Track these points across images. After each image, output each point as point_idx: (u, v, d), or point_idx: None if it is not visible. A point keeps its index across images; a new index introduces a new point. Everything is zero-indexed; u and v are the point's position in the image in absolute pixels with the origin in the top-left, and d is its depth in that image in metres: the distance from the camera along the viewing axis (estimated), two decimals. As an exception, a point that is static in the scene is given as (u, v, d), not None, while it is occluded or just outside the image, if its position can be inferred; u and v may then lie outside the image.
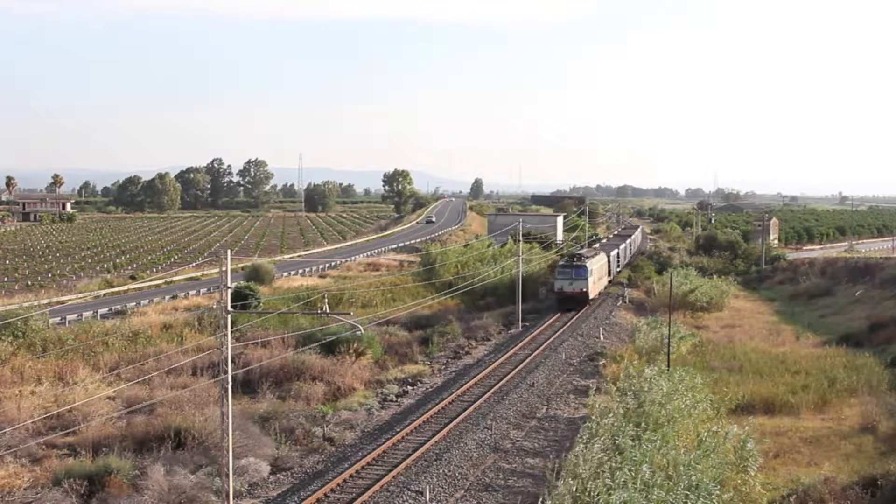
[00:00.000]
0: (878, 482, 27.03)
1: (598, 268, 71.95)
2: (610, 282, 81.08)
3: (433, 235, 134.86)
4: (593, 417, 31.72)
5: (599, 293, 74.11)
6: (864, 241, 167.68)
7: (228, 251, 27.03)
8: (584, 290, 65.90)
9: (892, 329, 56.51)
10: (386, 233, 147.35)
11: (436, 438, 33.15)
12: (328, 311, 31.43)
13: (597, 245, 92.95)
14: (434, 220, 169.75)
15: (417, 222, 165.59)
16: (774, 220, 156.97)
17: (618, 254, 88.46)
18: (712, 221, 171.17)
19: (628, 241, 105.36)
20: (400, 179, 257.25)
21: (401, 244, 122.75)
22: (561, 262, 69.58)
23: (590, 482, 23.21)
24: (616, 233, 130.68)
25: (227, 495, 25.56)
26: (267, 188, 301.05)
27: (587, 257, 69.15)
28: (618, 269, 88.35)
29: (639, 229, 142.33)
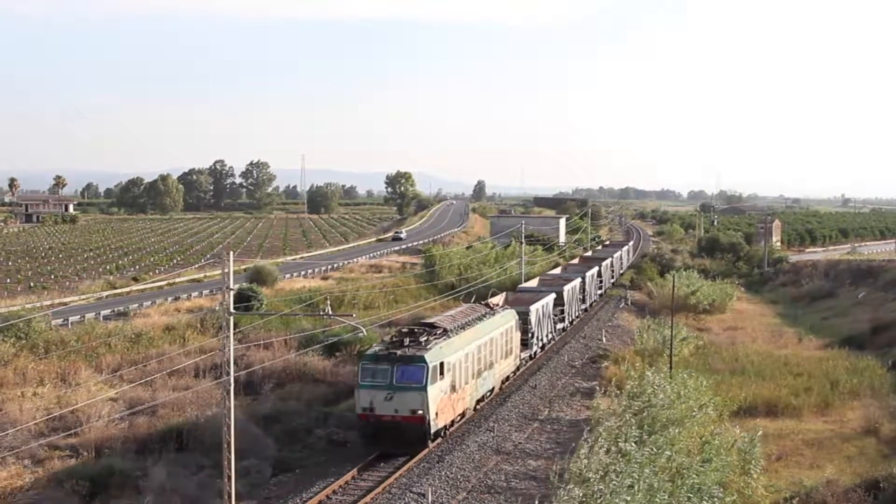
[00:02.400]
0: (881, 484, 27.05)
1: (471, 354, 35.37)
2: (532, 356, 48.10)
3: (436, 237, 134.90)
4: (597, 419, 31.70)
5: (480, 404, 37.90)
6: (867, 243, 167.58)
7: (231, 253, 27.06)
8: (419, 411, 30.68)
9: (894, 331, 56.50)
10: (351, 244, 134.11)
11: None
12: (330, 312, 31.55)
13: (499, 297, 48.92)
14: (403, 236, 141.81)
15: (379, 240, 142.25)
16: (777, 223, 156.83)
17: (555, 301, 53.79)
18: (715, 223, 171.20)
19: (593, 271, 70.78)
20: (402, 181, 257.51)
21: (404, 246, 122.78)
22: (374, 348, 33.40)
23: (596, 485, 23.19)
24: (591, 253, 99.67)
25: (230, 497, 25.57)
26: (269, 190, 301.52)
27: (440, 335, 33.80)
28: (559, 328, 55.22)
29: (625, 247, 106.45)
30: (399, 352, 31.55)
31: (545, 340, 50.75)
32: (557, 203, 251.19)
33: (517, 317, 43.59)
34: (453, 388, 33.17)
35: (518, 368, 44.85)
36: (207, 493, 27.52)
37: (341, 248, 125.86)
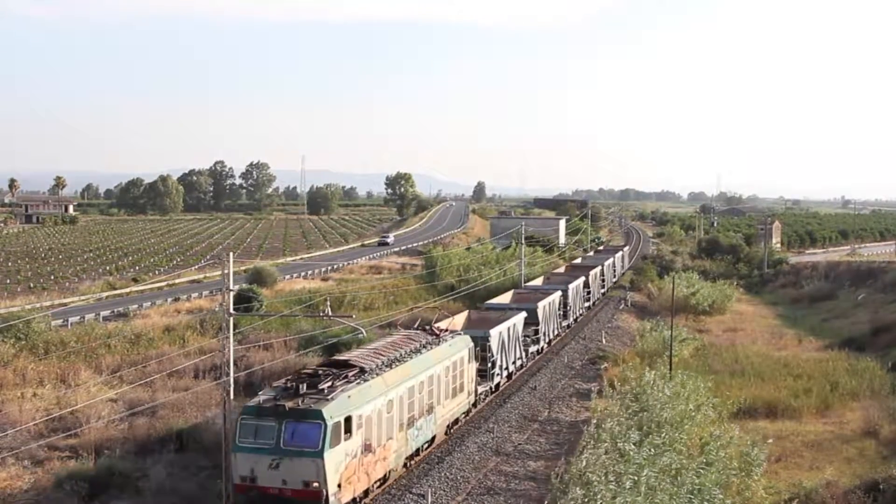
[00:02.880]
0: (880, 486, 27.07)
1: (399, 399, 28.24)
2: (493, 389, 40.77)
3: (436, 238, 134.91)
4: (595, 421, 31.70)
5: (414, 460, 30.53)
6: (867, 244, 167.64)
7: (231, 254, 27.09)
8: (315, 483, 23.69)
9: (894, 333, 56.50)
10: (332, 250, 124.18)
11: (437, 441, 33.15)
12: (330, 313, 31.43)
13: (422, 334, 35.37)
14: (390, 241, 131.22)
15: (363, 245, 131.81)
16: (777, 224, 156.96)
17: (528, 319, 46.78)
18: (715, 225, 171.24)
19: (578, 282, 63.66)
20: (402, 182, 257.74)
21: (403, 247, 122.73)
22: (258, 397, 25.46)
23: (598, 486, 23.20)
24: (580, 260, 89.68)
25: (229, 497, 25.57)
26: (269, 191, 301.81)
27: (353, 378, 26.58)
28: (532, 351, 48.37)
29: (618, 253, 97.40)
30: (289, 403, 23.89)
31: (512, 368, 43.61)
32: (557, 204, 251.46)
33: (471, 344, 36.25)
34: (368, 449, 25.65)
35: (475, 405, 37.46)
36: (207, 493, 27.51)
37: (324, 252, 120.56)
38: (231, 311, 26.55)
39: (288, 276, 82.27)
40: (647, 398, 33.06)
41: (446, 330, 36.47)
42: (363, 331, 32.40)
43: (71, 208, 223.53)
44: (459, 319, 43.70)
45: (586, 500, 22.72)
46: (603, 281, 78.52)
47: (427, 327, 36.15)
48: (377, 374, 27.37)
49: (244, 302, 53.58)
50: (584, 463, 25.30)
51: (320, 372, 26.50)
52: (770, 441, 30.48)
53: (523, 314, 45.88)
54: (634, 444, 27.08)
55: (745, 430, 31.77)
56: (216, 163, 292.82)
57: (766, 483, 28.23)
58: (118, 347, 47.03)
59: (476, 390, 37.17)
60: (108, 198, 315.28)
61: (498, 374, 40.74)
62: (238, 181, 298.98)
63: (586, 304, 67.95)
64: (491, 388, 40.18)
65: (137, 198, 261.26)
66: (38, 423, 32.44)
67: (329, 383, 25.23)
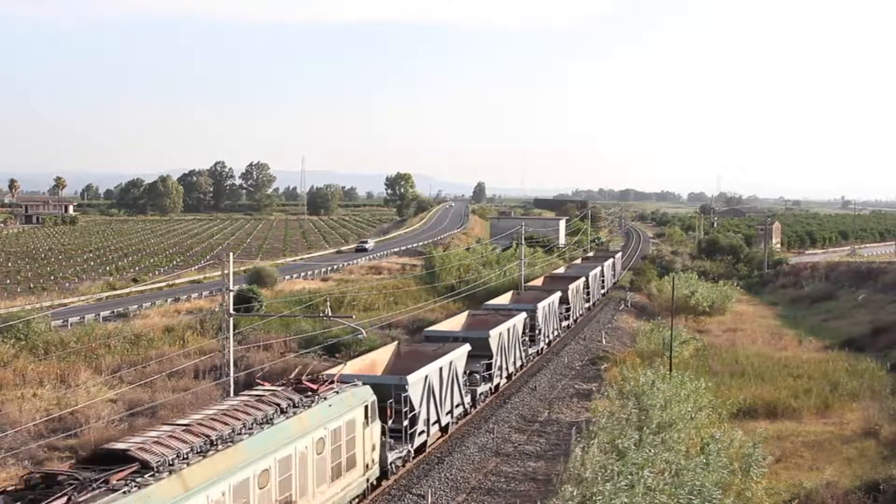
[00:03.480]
0: (881, 486, 27.05)
1: None
2: (415, 451, 30.18)
3: (436, 239, 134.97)
4: (593, 420, 31.70)
5: None
6: (867, 245, 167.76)
7: (231, 254, 27.12)
8: None
9: (894, 333, 56.50)
10: (315, 254, 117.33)
11: (437, 442, 33.13)
12: (330, 314, 31.49)
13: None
14: (369, 247, 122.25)
15: (339, 251, 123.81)
16: (777, 225, 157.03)
17: (473, 353, 36.36)
18: (714, 225, 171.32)
19: (553, 298, 54.30)
20: (402, 183, 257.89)
21: (403, 247, 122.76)
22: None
23: (595, 486, 23.17)
24: (562, 269, 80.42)
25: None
26: (269, 191, 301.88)
27: (123, 484, 15.61)
28: (483, 390, 38.45)
29: (609, 261, 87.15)
30: None
31: (447, 420, 33.33)
32: (557, 205, 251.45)
33: (371, 398, 25.76)
34: None
35: (385, 475, 27.65)
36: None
37: (301, 257, 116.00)
38: (231, 311, 26.57)
39: (288, 277, 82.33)
40: (646, 398, 33.01)
41: (330, 382, 25.09)
42: (363, 331, 32.40)
43: (71, 209, 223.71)
44: (383, 356, 34.66)
45: (584, 500, 22.69)
46: (588, 294, 69.92)
47: (299, 381, 24.76)
48: (170, 472, 16.97)
49: (244, 302, 53.61)
50: (580, 462, 25.27)
51: (64, 475, 15.89)
52: (775, 454, 30.38)
53: (466, 346, 35.58)
54: (633, 443, 27.04)
55: (745, 430, 31.70)
56: (216, 163, 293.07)
57: (766, 484, 28.20)
58: (118, 348, 47.03)
59: (385, 458, 27.18)
60: (108, 198, 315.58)
61: (422, 432, 30.49)
62: (238, 181, 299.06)
63: (565, 324, 58.90)
64: (410, 451, 29.48)
65: (137, 198, 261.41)
66: (37, 423, 32.44)
67: (63, 500, 14.88)
